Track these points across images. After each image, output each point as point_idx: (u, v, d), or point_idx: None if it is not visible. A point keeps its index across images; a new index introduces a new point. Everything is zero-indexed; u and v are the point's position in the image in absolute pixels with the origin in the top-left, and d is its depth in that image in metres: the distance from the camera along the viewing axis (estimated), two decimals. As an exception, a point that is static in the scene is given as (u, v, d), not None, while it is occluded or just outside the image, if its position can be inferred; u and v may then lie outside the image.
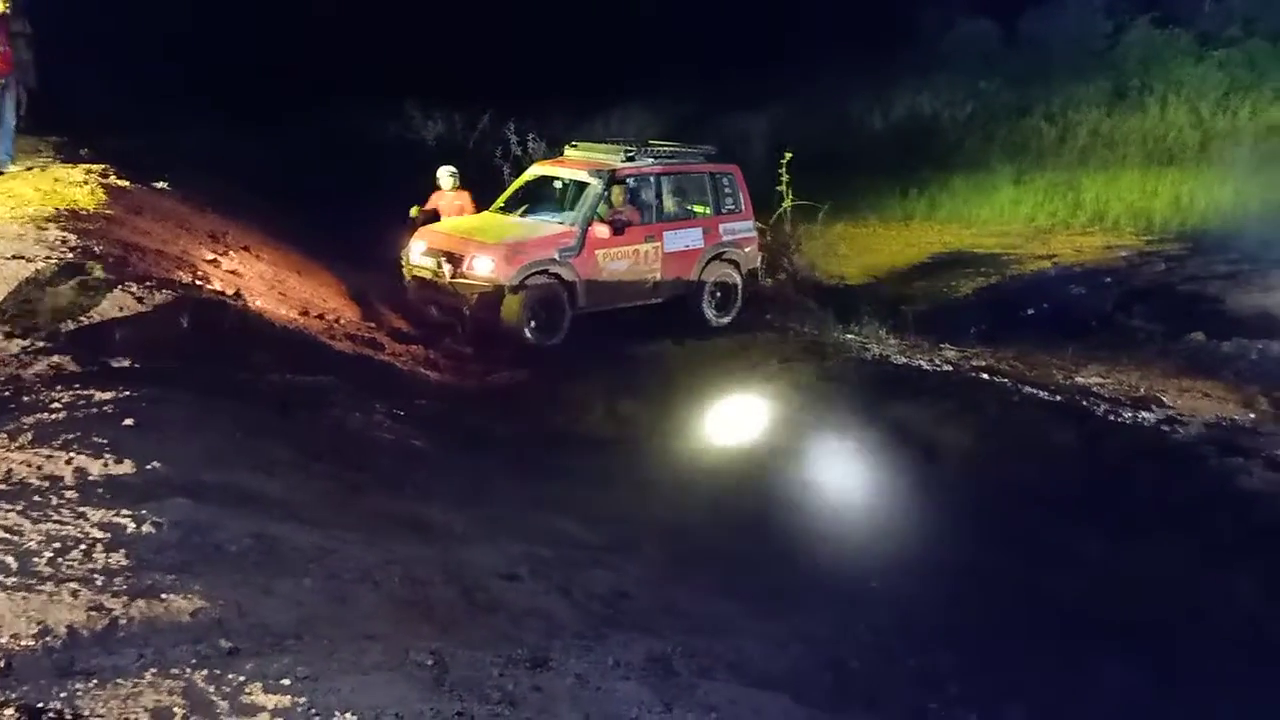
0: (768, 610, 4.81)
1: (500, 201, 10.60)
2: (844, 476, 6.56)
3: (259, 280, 8.72)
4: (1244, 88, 19.21)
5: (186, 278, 7.60)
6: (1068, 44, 21.38)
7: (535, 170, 10.91)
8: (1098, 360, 9.79)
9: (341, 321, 8.55)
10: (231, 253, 9.03)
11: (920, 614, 4.91)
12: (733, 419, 7.55)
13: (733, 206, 10.81)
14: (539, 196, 10.63)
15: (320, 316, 8.44)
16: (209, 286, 7.64)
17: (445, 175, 10.75)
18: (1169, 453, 6.89)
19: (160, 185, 10.30)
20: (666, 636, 4.23)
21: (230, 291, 7.68)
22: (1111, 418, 7.74)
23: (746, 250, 10.92)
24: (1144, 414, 7.85)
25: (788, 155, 12.41)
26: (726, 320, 10.67)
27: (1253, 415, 8.07)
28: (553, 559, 4.87)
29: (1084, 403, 8.14)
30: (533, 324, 9.32)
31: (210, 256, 8.56)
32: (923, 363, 9.64)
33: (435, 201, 10.60)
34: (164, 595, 3.28)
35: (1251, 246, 13.67)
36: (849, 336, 10.58)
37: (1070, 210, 16.48)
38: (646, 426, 7.50)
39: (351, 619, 3.39)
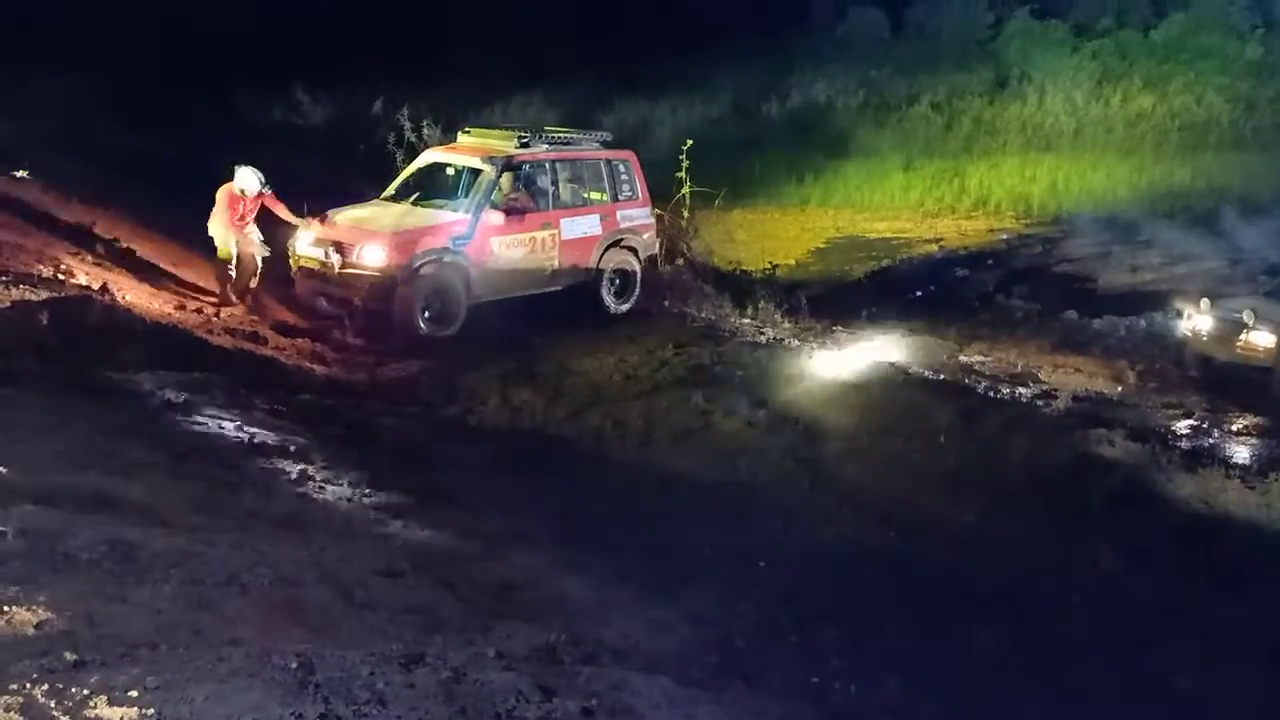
0: (658, 595, 4.83)
1: (391, 189, 10.35)
2: (735, 459, 6.64)
3: (129, 273, 8.32)
4: (1115, 77, 20.19)
5: (47, 272, 7.20)
6: (952, 34, 22.08)
7: (428, 157, 10.69)
8: (980, 339, 10.18)
9: (221, 315, 8.22)
10: (99, 245, 8.58)
11: (805, 590, 5.01)
12: (628, 405, 7.56)
13: (630, 193, 10.80)
14: (432, 184, 10.42)
15: (198, 310, 8.10)
16: (73, 281, 7.26)
17: (251, 178, 9.16)
18: (1042, 426, 7.20)
19: (20, 174, 9.72)
20: (553, 626, 4.20)
21: (96, 286, 7.30)
22: (991, 394, 8.05)
23: (644, 237, 10.93)
24: (1020, 389, 8.20)
25: (688, 143, 12.50)
26: (625, 307, 10.67)
27: (1119, 388, 8.53)
28: (439, 553, 4.80)
29: (966, 380, 8.45)
30: (426, 314, 9.14)
31: (75, 249, 8.13)
32: (815, 346, 9.84)
33: (232, 205, 9.01)
34: (6, 608, 3.08)
35: (1121, 228, 14.42)
36: (745, 321, 10.74)
37: (956, 195, 17.07)
38: (542, 416, 7.45)
39: (213, 625, 3.26)
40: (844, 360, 8.86)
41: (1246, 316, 9.13)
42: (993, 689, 4.33)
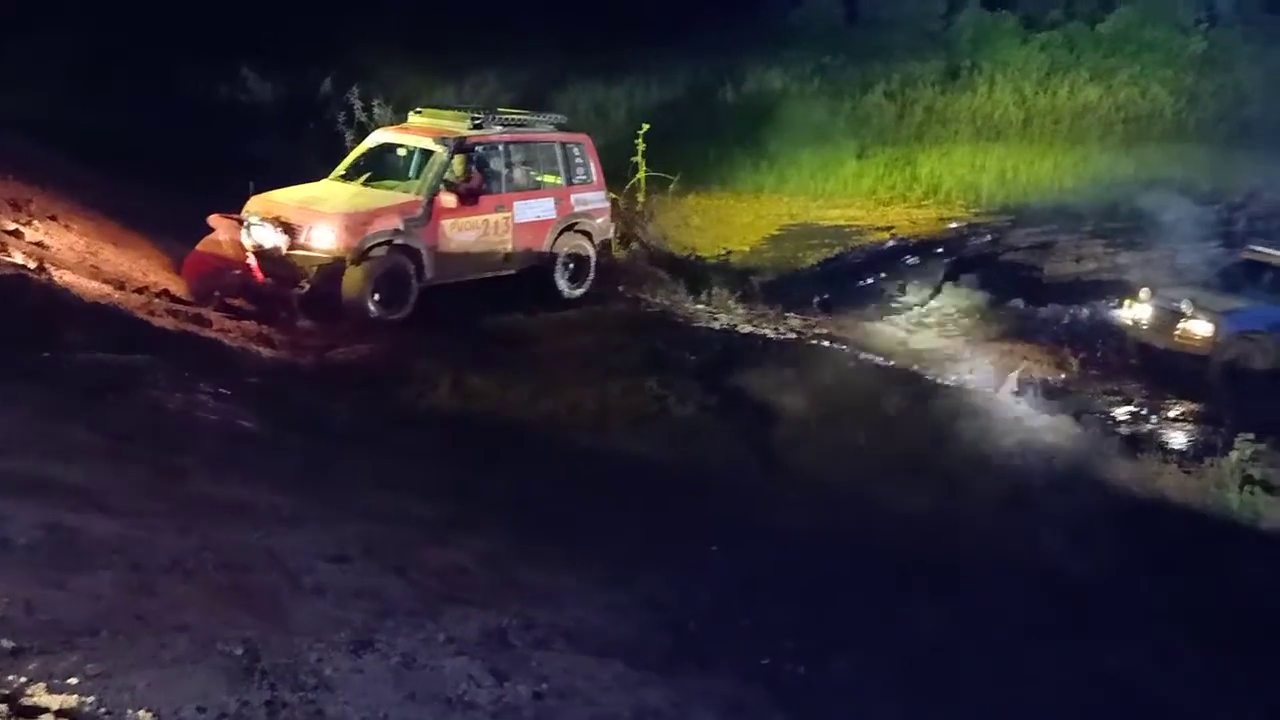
0: (611, 579, 4.84)
1: (341, 169, 10.16)
2: (688, 444, 6.67)
3: (69, 252, 8.08)
4: (1063, 69, 20.50)
5: (-19, 250, 6.96)
6: (905, 23, 22.23)
7: (378, 137, 10.51)
8: (929, 326, 10.34)
9: (164, 296, 8.03)
10: (36, 222, 8.32)
11: (758, 574, 5.06)
12: (582, 390, 7.54)
13: (584, 177, 10.73)
14: (382, 164, 10.26)
15: (139, 291, 7.90)
16: (8, 259, 7.03)
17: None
18: (987, 411, 7.35)
19: (-47, 149, 9.38)
20: (505, 610, 4.19)
21: (33, 265, 7.08)
22: (939, 380, 8.19)
23: (599, 221, 10.88)
24: (968, 376, 8.35)
25: (645, 126, 12.45)
26: (579, 292, 10.63)
27: (1063, 375, 8.73)
28: (389, 538, 4.75)
29: (914, 367, 8.58)
30: (376, 297, 9.01)
31: (11, 227, 7.87)
32: (768, 331, 9.94)
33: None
34: (-62, 596, 3.00)
35: (1066, 218, 14.73)
36: (699, 307, 10.77)
37: (907, 184, 17.23)
38: (494, 400, 7.40)
39: (155, 611, 3.20)
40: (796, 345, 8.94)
41: (1184, 306, 9.39)
42: (940, 670, 4.42)
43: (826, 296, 11.44)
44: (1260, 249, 10.26)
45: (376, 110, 13.56)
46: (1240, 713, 4.60)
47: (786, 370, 8.01)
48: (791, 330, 10.06)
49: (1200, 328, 9.25)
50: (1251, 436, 7.06)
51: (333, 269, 8.80)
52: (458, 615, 3.99)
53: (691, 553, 5.24)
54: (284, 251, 8.84)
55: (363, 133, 11.73)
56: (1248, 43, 21.26)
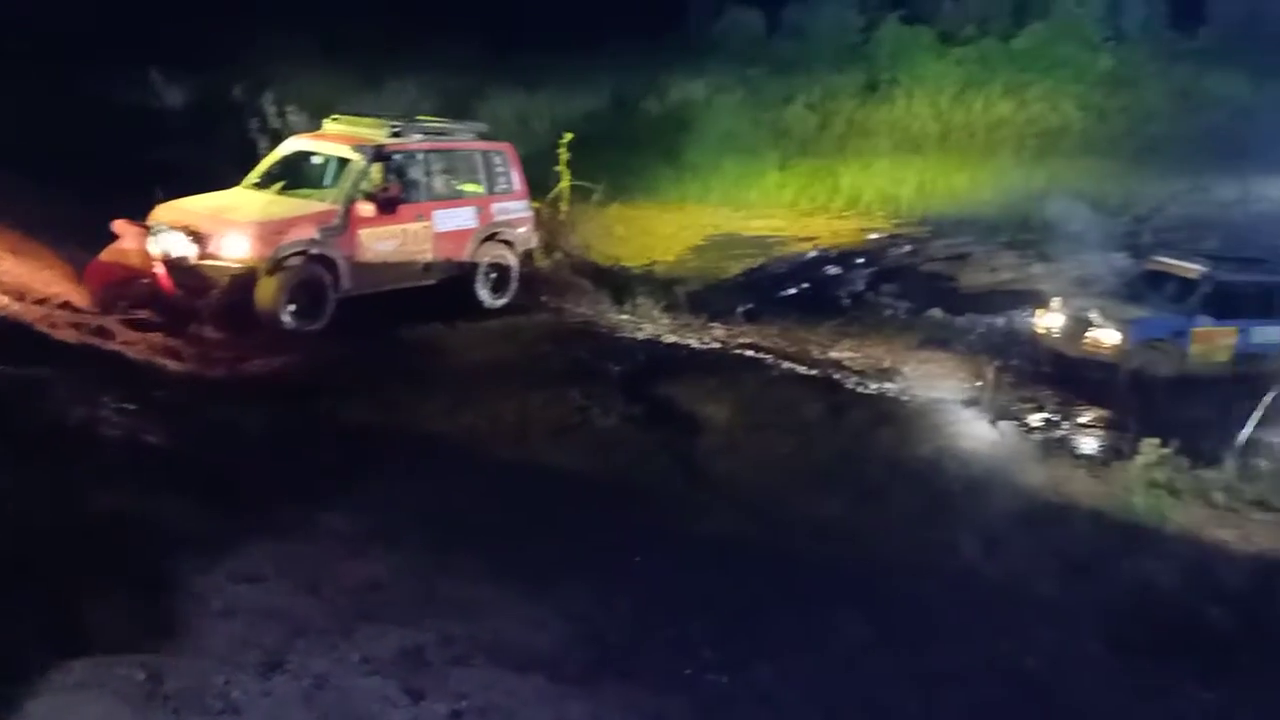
0: (532, 592, 4.78)
1: (254, 177, 9.88)
2: (610, 455, 6.65)
3: (-39, 262, 7.70)
4: (978, 84, 21.12)
5: None
6: (826, 36, 22.66)
7: (292, 144, 10.26)
8: (850, 336, 10.52)
9: (66, 308, 7.69)
10: (-74, 231, 7.91)
11: (679, 584, 5.05)
12: (503, 402, 7.46)
13: (506, 186, 10.64)
14: (297, 172, 10.00)
15: (40, 302, 7.56)
16: (-108, 270, 6.65)
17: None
18: (906, 419, 7.50)
19: None
20: (422, 626, 4.11)
21: (-79, 275, 6.72)
22: (859, 389, 8.33)
23: (521, 230, 10.79)
24: (887, 385, 8.52)
25: (567, 136, 12.39)
26: (501, 302, 10.51)
27: (978, 383, 8.96)
28: (303, 554, 4.63)
29: (836, 376, 8.72)
30: (291, 308, 8.77)
31: (-102, 236, 7.45)
32: (692, 341, 9.98)
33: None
34: None
35: (982, 230, 15.15)
36: (623, 317, 10.75)
37: (829, 195, 17.51)
38: (413, 412, 7.27)
39: (55, 634, 3.03)
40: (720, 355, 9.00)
41: (1093, 315, 9.74)
42: (858, 674, 4.46)
43: (750, 306, 11.53)
44: (1164, 260, 10.70)
45: (291, 116, 13.22)
46: (1151, 712, 4.75)
47: (710, 380, 8.05)
48: (715, 340, 10.12)
49: (1108, 336, 9.60)
50: (1156, 441, 7.32)
51: (245, 279, 8.55)
52: (373, 633, 3.90)
53: (613, 564, 5.21)
54: (193, 261, 8.55)
55: (276, 139, 11.42)
56: (1152, 60, 22.20)
